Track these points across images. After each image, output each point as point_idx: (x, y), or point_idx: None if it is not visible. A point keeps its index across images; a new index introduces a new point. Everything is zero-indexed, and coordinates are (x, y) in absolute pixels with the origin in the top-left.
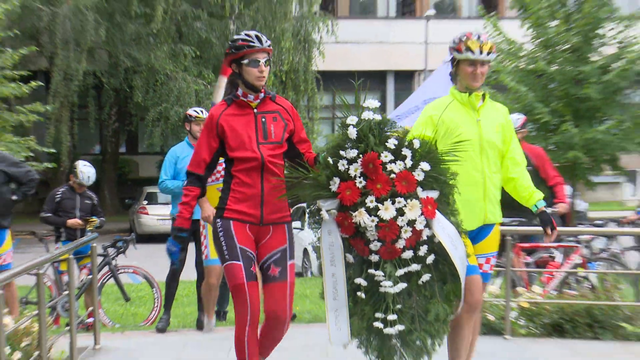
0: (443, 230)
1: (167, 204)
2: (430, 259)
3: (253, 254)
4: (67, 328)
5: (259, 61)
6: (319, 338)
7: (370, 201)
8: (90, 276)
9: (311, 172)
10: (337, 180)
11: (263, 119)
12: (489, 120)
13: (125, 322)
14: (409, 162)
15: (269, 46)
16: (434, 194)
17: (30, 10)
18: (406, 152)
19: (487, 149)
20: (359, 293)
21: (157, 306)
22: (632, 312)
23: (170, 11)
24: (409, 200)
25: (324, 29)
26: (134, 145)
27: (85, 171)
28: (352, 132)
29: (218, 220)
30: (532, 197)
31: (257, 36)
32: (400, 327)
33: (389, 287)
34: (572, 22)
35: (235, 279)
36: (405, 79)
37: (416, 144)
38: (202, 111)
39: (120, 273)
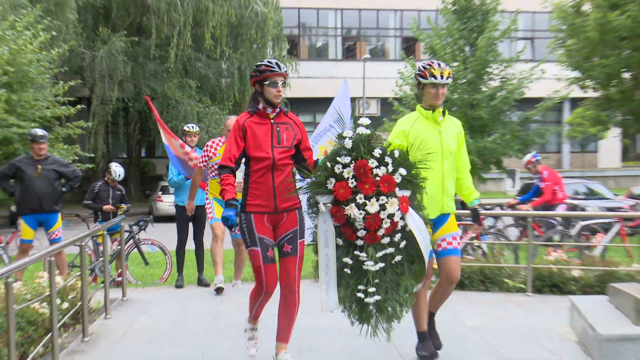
0: (414, 222)
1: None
2: (402, 244)
3: (270, 240)
4: (102, 285)
5: (278, 83)
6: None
7: (360, 198)
8: (119, 246)
9: (312, 173)
10: (333, 180)
11: (278, 128)
12: (448, 132)
13: (145, 280)
14: (390, 168)
15: (285, 72)
16: (407, 193)
17: (76, 53)
18: (388, 159)
19: (447, 155)
20: (345, 269)
21: (168, 268)
22: (512, 271)
23: (180, 55)
24: (389, 198)
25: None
26: (152, 151)
27: (116, 170)
28: (348, 143)
29: (242, 214)
30: (470, 195)
31: (277, 63)
32: (377, 297)
33: (370, 265)
34: (468, 63)
35: (255, 261)
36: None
37: (396, 153)
38: (193, 126)
39: (142, 244)
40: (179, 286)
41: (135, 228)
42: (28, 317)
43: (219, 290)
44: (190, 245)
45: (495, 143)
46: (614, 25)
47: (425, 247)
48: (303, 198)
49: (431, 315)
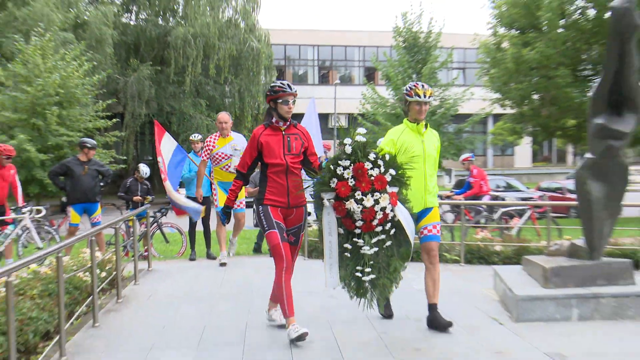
0: (401, 212)
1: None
2: (392, 231)
3: (283, 225)
4: (132, 258)
5: (289, 101)
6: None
7: (358, 194)
8: (145, 228)
9: (318, 174)
10: (335, 180)
11: (288, 138)
12: (429, 141)
13: (166, 254)
14: (382, 169)
15: (295, 92)
16: (395, 189)
17: (112, 79)
18: (380, 162)
19: (428, 159)
20: (345, 254)
21: (183, 246)
22: (449, 247)
23: (192, 80)
24: (382, 194)
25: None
26: None
27: (144, 169)
28: (348, 149)
29: (260, 206)
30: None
31: (288, 84)
32: (372, 276)
33: (366, 250)
34: None
35: (273, 240)
36: (323, 118)
37: (387, 157)
38: (195, 136)
39: (163, 227)
40: (192, 259)
41: (158, 214)
42: (74, 283)
43: (223, 265)
44: (199, 227)
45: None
46: (526, 59)
47: (411, 233)
48: (309, 196)
49: (434, 307)
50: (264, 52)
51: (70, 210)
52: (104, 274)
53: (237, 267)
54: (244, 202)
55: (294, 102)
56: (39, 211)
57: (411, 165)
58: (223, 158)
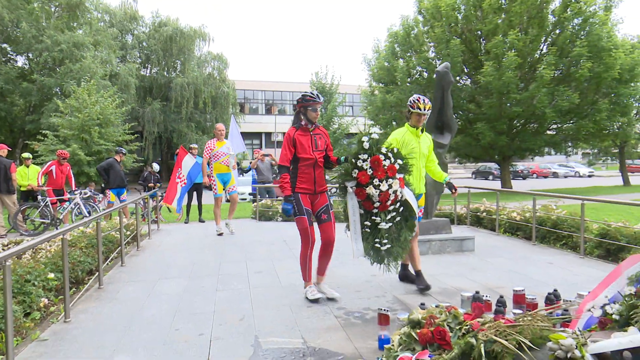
0: (407, 193)
1: None
2: (401, 209)
3: (310, 211)
4: (147, 223)
5: (317, 109)
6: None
7: (375, 181)
8: (156, 203)
9: (343, 167)
10: (356, 170)
11: (314, 138)
12: (423, 142)
13: (169, 219)
14: (392, 160)
15: (322, 101)
16: (402, 175)
17: (135, 110)
18: (390, 155)
19: (421, 156)
20: (366, 229)
21: (180, 214)
22: None
23: (187, 111)
24: (394, 180)
25: (241, 118)
26: (172, 156)
27: (155, 166)
28: (366, 145)
29: (292, 193)
30: (441, 175)
31: (317, 95)
32: (388, 246)
33: (383, 225)
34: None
35: (303, 224)
36: (267, 135)
37: (395, 150)
38: (194, 145)
39: None
40: (186, 222)
41: (164, 194)
42: (109, 239)
43: (220, 234)
44: (194, 202)
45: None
46: (388, 101)
47: (416, 208)
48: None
49: (405, 266)
50: (231, 94)
51: (109, 193)
52: (128, 233)
53: (214, 226)
54: (235, 187)
55: (320, 109)
56: (85, 193)
57: (412, 156)
58: (222, 155)
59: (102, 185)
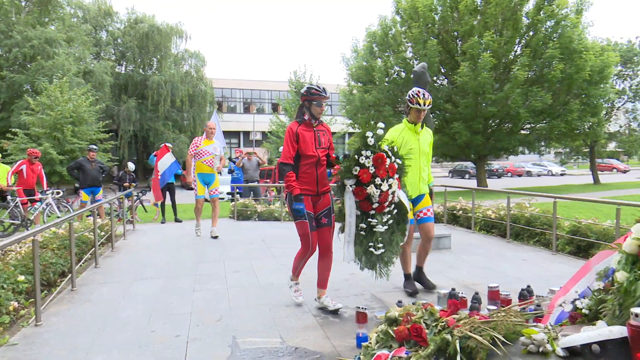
0: (402, 195)
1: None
2: (395, 211)
3: (313, 214)
4: (122, 223)
5: (322, 104)
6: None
7: (377, 180)
8: (131, 203)
9: (343, 163)
10: (357, 168)
11: (318, 134)
12: (423, 139)
13: (145, 219)
14: (392, 159)
15: (328, 96)
16: (398, 176)
17: (110, 108)
18: (391, 153)
19: (422, 153)
20: (360, 232)
21: (157, 214)
22: None
23: (164, 109)
24: (393, 180)
25: (220, 117)
26: (148, 156)
27: (131, 166)
28: (371, 141)
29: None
30: (430, 179)
31: (324, 89)
32: (382, 250)
33: (379, 228)
34: None
35: (305, 229)
36: (246, 134)
37: (395, 149)
38: (170, 144)
39: (143, 202)
40: (162, 222)
41: (140, 194)
42: (83, 239)
43: (198, 235)
44: (168, 202)
45: None
46: (367, 100)
47: (409, 211)
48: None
49: (420, 269)
50: (208, 92)
51: (82, 192)
52: (103, 233)
53: (191, 226)
54: (219, 189)
55: (325, 104)
56: (58, 193)
57: (409, 157)
58: (206, 154)
59: (76, 185)
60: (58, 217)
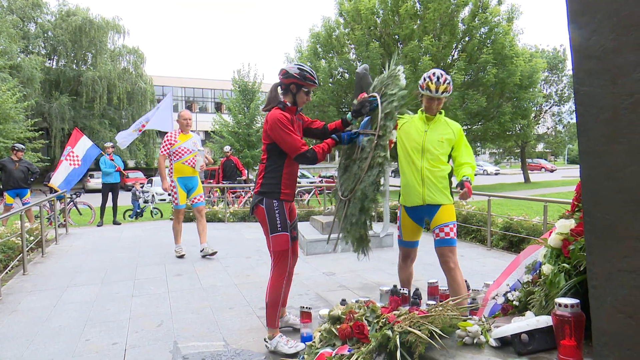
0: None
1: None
2: (375, 173)
3: (289, 224)
4: (54, 226)
5: (310, 92)
6: None
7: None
8: (64, 205)
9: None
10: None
11: (300, 125)
12: (435, 133)
13: (79, 222)
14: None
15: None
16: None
17: (40, 104)
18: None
19: (426, 152)
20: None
21: (92, 217)
22: None
23: (100, 107)
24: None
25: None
26: None
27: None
28: (403, 80)
29: (275, 201)
30: (459, 175)
31: (316, 76)
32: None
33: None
34: (247, 116)
35: (284, 245)
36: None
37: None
38: (108, 143)
39: (77, 204)
40: (99, 225)
41: (74, 195)
42: (8, 245)
43: (181, 257)
44: (109, 203)
45: (257, 152)
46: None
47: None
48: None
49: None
50: (149, 90)
51: (5, 195)
52: (32, 238)
53: (130, 229)
54: (203, 196)
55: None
56: None
57: (410, 157)
58: (185, 152)
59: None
60: None
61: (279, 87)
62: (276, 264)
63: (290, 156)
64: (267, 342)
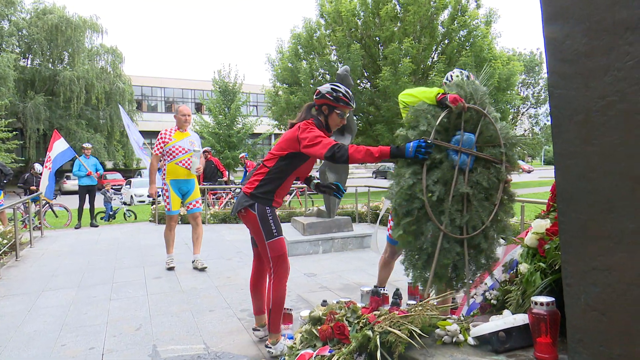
0: None
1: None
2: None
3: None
4: (28, 229)
5: (345, 115)
6: None
7: None
8: (39, 208)
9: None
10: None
11: None
12: None
13: (55, 225)
14: None
15: (354, 106)
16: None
17: (13, 104)
18: None
19: None
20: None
21: (69, 219)
22: None
23: (77, 107)
24: None
25: (138, 116)
26: None
27: (38, 167)
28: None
29: (267, 207)
30: None
31: (352, 98)
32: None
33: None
34: (227, 117)
35: (282, 250)
36: None
37: None
38: (87, 145)
39: (53, 206)
40: (77, 228)
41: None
42: None
43: (171, 269)
44: (87, 205)
45: (238, 153)
46: (292, 101)
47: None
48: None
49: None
50: (127, 90)
51: None
52: (5, 241)
53: (108, 231)
54: (200, 201)
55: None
56: None
57: None
58: (180, 152)
59: None
60: None
61: (312, 109)
62: (276, 269)
63: (320, 155)
64: (270, 347)
